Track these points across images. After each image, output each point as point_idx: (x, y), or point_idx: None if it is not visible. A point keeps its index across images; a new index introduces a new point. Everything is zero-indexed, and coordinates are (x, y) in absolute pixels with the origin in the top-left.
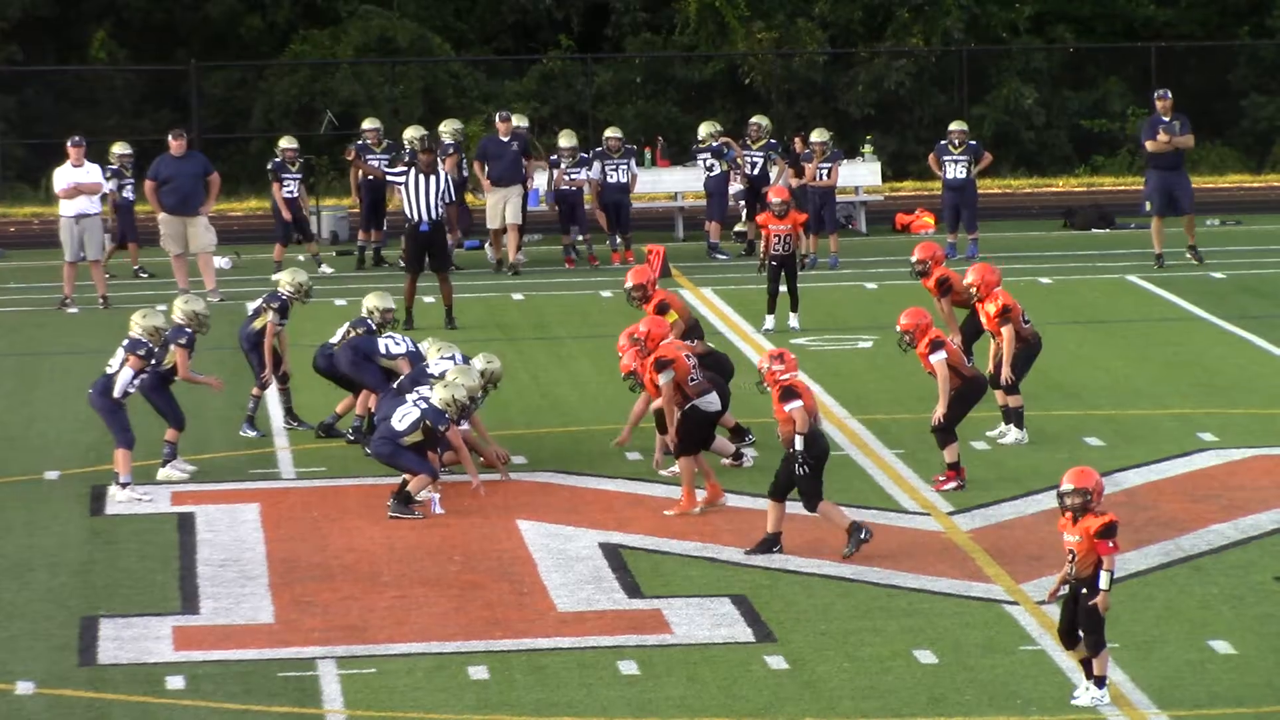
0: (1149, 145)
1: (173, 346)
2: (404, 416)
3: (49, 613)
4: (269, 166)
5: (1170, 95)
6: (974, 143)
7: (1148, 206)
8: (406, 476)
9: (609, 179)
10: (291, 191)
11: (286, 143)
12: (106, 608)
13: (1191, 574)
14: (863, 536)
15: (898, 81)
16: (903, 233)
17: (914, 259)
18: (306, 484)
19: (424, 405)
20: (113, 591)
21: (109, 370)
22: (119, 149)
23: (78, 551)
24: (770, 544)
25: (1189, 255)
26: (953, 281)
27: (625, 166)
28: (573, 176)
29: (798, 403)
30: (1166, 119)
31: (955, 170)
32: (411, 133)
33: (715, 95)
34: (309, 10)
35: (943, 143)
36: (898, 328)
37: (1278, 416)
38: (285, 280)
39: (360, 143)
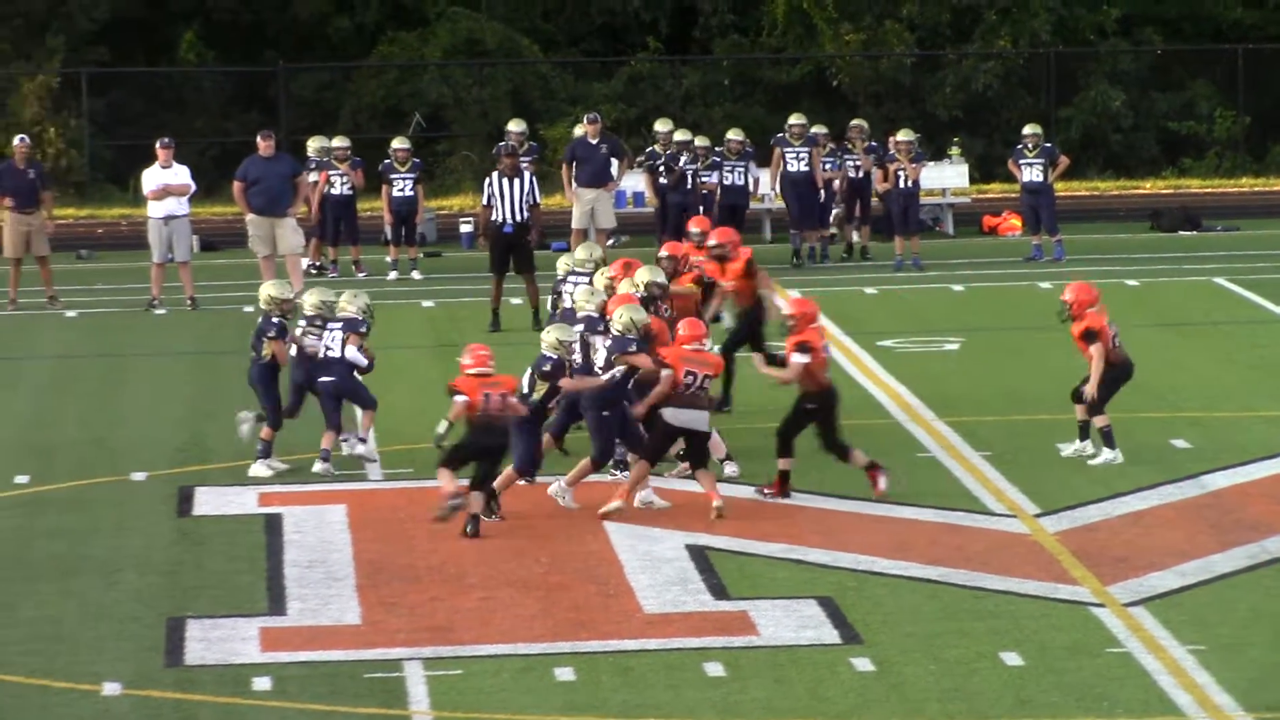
0: None
1: (265, 339)
2: (532, 370)
3: (136, 613)
4: (379, 168)
5: None
6: (1049, 145)
7: None
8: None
9: (725, 181)
10: (403, 190)
11: (398, 143)
12: (193, 609)
13: (1278, 576)
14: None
15: (985, 84)
16: (990, 235)
17: (1063, 298)
18: (393, 485)
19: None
20: (200, 592)
21: (329, 353)
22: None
23: (165, 552)
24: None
25: None
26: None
27: (743, 169)
28: (703, 180)
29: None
30: None
31: (1031, 173)
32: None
33: (803, 97)
34: (397, 11)
35: (1018, 146)
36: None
37: None
38: (345, 303)
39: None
